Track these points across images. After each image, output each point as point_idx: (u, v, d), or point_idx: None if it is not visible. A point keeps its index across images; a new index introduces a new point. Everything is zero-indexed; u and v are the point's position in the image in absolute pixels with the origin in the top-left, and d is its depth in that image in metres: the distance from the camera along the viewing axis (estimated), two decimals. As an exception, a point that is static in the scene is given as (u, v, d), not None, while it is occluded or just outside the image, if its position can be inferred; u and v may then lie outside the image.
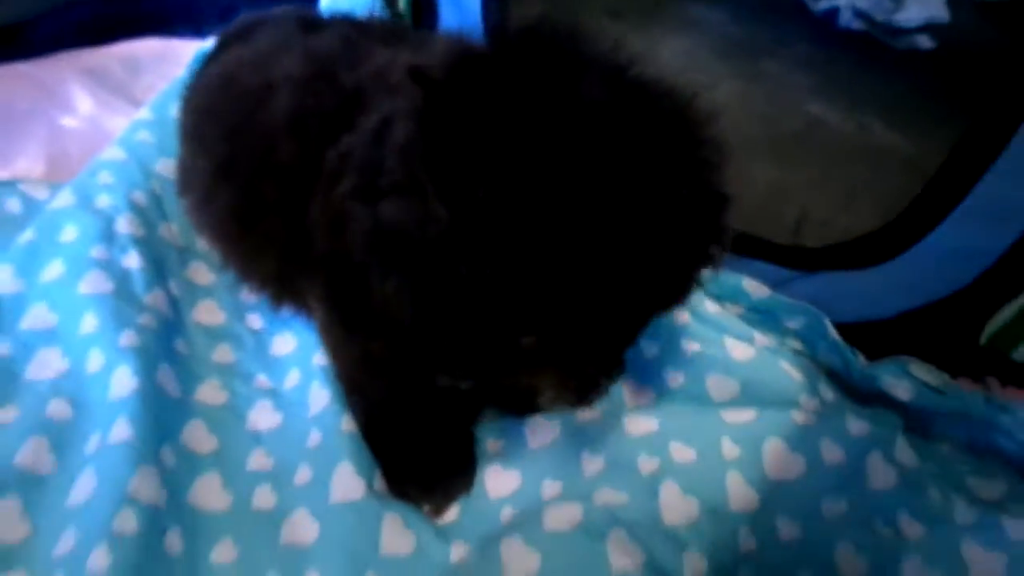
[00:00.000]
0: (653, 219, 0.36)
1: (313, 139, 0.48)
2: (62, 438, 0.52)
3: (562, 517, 0.50)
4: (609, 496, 0.52)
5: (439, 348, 0.39)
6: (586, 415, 0.57)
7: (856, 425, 0.56)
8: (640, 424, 0.56)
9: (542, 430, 0.57)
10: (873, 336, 0.65)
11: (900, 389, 0.61)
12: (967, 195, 0.57)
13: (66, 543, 0.47)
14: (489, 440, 0.57)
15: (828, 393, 0.62)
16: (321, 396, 0.56)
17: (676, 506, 0.51)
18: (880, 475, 0.54)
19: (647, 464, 0.54)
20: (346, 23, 0.61)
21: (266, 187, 0.51)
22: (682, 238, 0.37)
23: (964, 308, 0.60)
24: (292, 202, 0.49)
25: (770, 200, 0.86)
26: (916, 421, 0.61)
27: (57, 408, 0.53)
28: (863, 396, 0.63)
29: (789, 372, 0.61)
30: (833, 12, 1.17)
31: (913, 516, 0.53)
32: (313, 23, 0.62)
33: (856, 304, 0.65)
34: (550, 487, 0.54)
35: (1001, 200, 0.55)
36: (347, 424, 0.54)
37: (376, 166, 0.37)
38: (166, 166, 0.70)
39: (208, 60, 0.67)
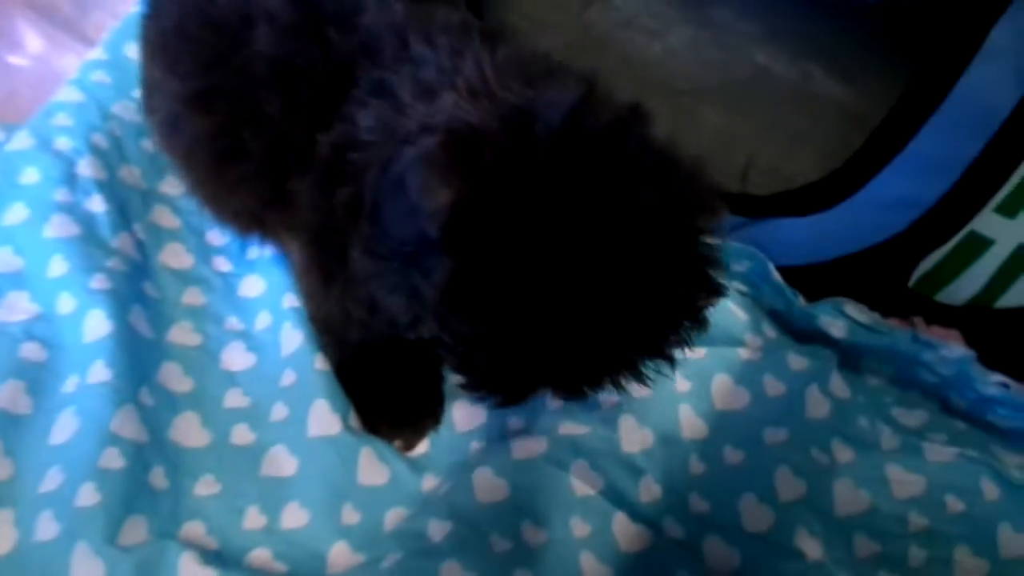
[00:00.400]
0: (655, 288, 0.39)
1: (301, 105, 0.49)
2: (38, 380, 0.53)
3: (528, 448, 0.54)
4: (571, 428, 0.55)
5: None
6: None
7: (796, 361, 0.60)
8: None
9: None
10: (813, 279, 0.70)
11: (835, 327, 0.65)
12: (904, 147, 0.61)
13: (52, 480, 0.48)
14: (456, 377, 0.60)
15: (771, 332, 0.66)
16: (294, 337, 0.58)
17: (633, 436, 0.55)
18: (817, 406, 0.58)
19: (607, 399, 0.57)
20: None
21: (245, 131, 0.51)
22: (678, 300, 0.41)
23: (897, 254, 0.65)
24: (273, 154, 0.50)
25: (719, 146, 0.90)
26: (848, 357, 0.67)
27: (30, 350, 0.54)
28: (802, 334, 0.67)
29: (735, 312, 0.65)
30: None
31: (845, 442, 0.58)
32: None
33: (798, 249, 0.69)
34: (514, 422, 0.57)
35: (936, 154, 0.60)
36: (320, 363, 0.56)
37: (389, 233, 0.40)
38: (124, 108, 0.69)
39: None
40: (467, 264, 0.36)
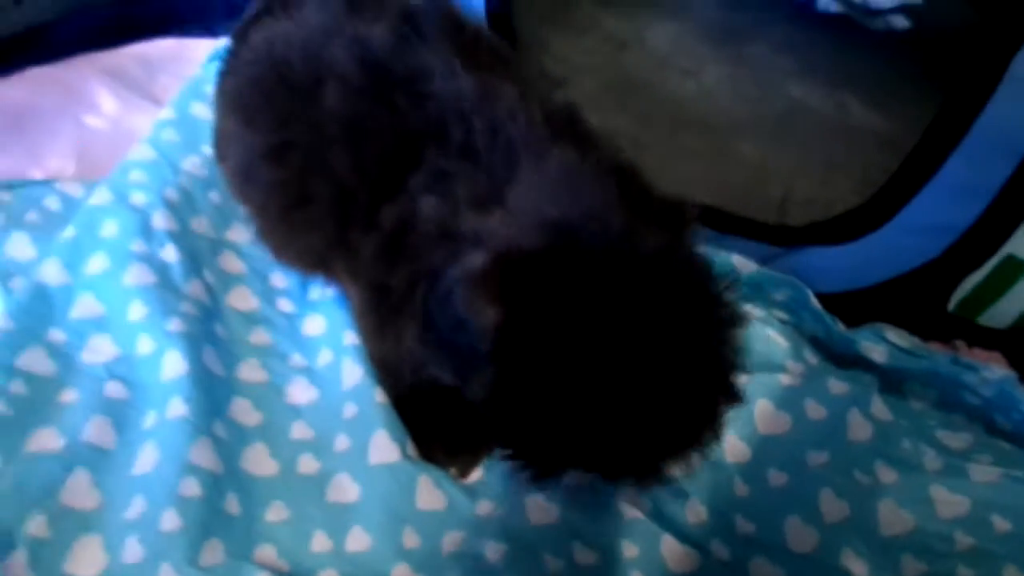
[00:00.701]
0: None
1: (367, 167, 0.52)
2: (121, 416, 0.57)
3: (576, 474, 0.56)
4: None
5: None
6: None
7: (836, 386, 0.62)
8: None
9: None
10: (852, 305, 0.71)
11: (876, 352, 0.67)
12: (936, 173, 0.62)
13: (136, 508, 0.52)
14: None
15: (812, 358, 0.68)
16: (354, 372, 0.62)
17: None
18: (858, 429, 0.60)
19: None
20: (394, 6, 0.57)
21: (315, 184, 0.55)
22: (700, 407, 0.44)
23: (934, 278, 0.67)
24: (340, 206, 0.54)
25: (756, 180, 0.92)
26: (890, 382, 0.68)
27: (114, 389, 0.58)
28: (843, 360, 0.69)
29: (776, 340, 0.67)
30: (811, -4, 1.22)
31: (888, 464, 0.59)
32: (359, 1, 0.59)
33: (836, 276, 0.71)
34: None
35: (966, 179, 0.61)
36: (380, 397, 0.60)
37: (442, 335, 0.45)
38: (192, 163, 0.75)
39: (248, 26, 0.64)
40: (511, 375, 0.42)
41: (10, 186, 0.70)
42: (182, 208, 0.71)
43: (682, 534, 0.55)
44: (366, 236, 0.52)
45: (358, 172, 0.52)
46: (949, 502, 0.57)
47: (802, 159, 0.94)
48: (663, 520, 0.56)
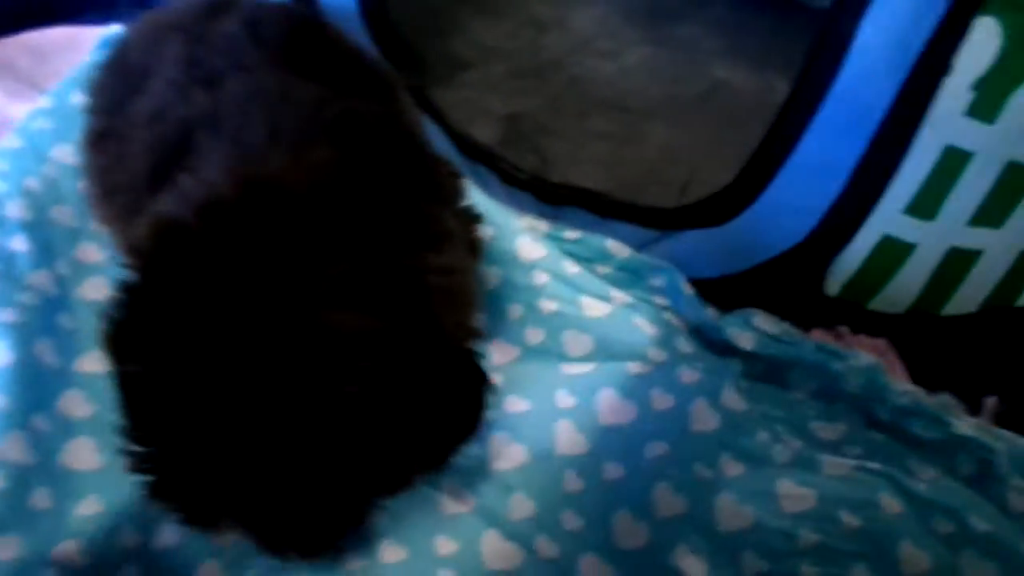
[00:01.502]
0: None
1: (152, 158, 0.50)
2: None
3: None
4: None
5: None
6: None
7: (687, 374, 0.59)
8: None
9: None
10: (729, 291, 0.69)
11: (743, 339, 0.64)
12: (793, 151, 0.59)
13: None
14: None
15: (686, 347, 0.65)
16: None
17: (504, 453, 0.55)
18: (703, 419, 0.57)
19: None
20: (245, 10, 0.56)
21: (119, 173, 0.54)
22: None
23: (803, 261, 0.64)
24: (132, 197, 0.52)
25: (663, 162, 0.89)
26: (774, 371, 0.65)
27: (-58, 382, 0.57)
28: (716, 348, 0.66)
29: (642, 327, 0.64)
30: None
31: (734, 457, 0.57)
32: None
33: (711, 261, 0.69)
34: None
35: (822, 156, 0.59)
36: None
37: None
38: (63, 152, 0.74)
39: None
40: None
41: None
42: (43, 197, 0.69)
43: (506, 530, 0.53)
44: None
45: (142, 162, 0.51)
46: (794, 496, 0.55)
47: (714, 141, 0.91)
48: (485, 515, 0.53)
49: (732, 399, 0.59)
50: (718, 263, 0.68)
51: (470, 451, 0.55)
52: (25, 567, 0.49)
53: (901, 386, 0.61)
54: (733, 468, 0.56)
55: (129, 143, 0.53)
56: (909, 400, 0.60)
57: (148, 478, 0.39)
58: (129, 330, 0.39)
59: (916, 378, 0.66)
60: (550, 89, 0.96)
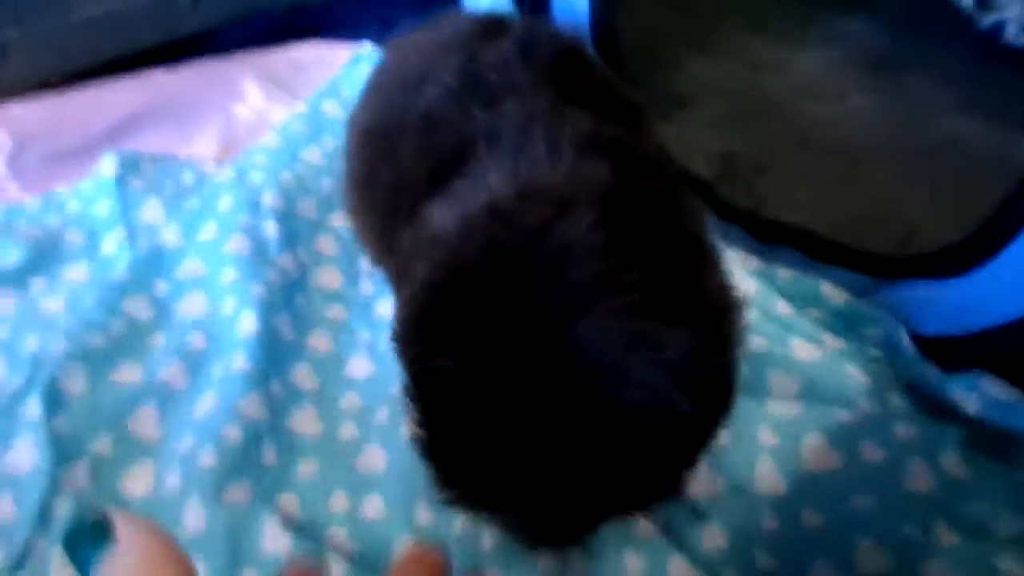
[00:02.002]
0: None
1: (425, 162, 0.54)
2: (196, 364, 0.64)
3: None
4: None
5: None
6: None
7: (903, 430, 0.56)
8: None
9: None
10: (955, 352, 0.64)
11: (969, 402, 0.60)
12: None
13: (186, 444, 0.58)
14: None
15: (901, 402, 0.62)
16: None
17: (700, 480, 0.55)
18: (919, 479, 0.54)
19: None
20: (516, 32, 0.60)
21: (383, 169, 0.58)
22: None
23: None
24: (395, 195, 0.56)
25: (882, 211, 0.85)
26: (999, 444, 0.60)
27: (195, 339, 0.65)
28: (938, 410, 0.62)
29: (854, 376, 0.62)
30: (999, 27, 1.12)
31: (950, 525, 0.53)
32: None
33: (937, 317, 0.65)
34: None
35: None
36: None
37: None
38: (313, 153, 0.82)
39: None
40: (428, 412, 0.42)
41: (155, 160, 0.80)
42: (293, 191, 0.77)
43: (693, 557, 0.52)
44: (405, 230, 0.53)
45: (416, 164, 0.54)
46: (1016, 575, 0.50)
47: (940, 194, 0.85)
48: (675, 539, 0.53)
49: (952, 463, 0.55)
50: (943, 321, 0.64)
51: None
52: (255, 509, 0.54)
53: None
54: (948, 537, 0.53)
55: (399, 143, 0.57)
56: None
57: (440, 467, 0.43)
58: (441, 322, 0.40)
59: None
60: (768, 130, 0.94)
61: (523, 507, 0.42)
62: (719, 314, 0.43)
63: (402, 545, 0.55)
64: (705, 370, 0.39)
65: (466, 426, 0.40)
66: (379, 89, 0.65)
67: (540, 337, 0.38)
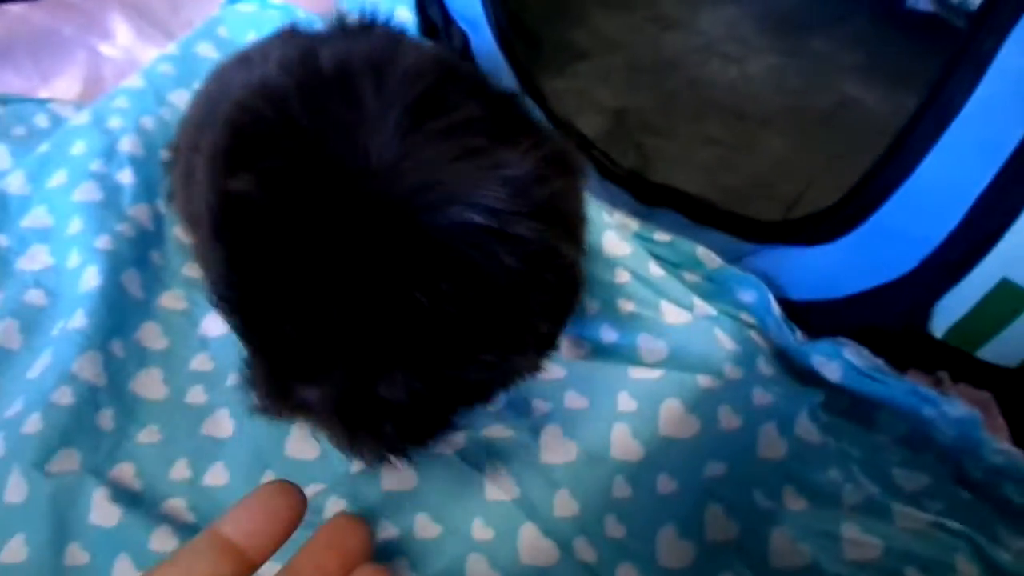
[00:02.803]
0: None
1: None
2: (33, 322, 0.59)
3: (446, 442, 0.54)
4: (493, 430, 0.54)
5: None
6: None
7: (760, 396, 0.56)
8: (548, 371, 0.58)
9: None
10: (824, 317, 0.64)
11: (829, 369, 0.60)
12: (912, 172, 0.55)
13: (13, 409, 0.54)
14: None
15: (766, 368, 0.62)
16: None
17: (556, 447, 0.53)
18: (771, 446, 0.54)
19: (539, 407, 0.56)
20: None
21: None
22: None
23: (906, 295, 0.59)
24: None
25: (775, 174, 0.85)
26: (861, 409, 0.61)
27: (34, 296, 0.60)
28: (802, 375, 0.62)
29: (722, 341, 0.61)
30: (903, -10, 1.11)
31: (798, 491, 0.53)
32: None
33: (806, 282, 0.64)
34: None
35: (940, 184, 0.54)
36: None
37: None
38: (181, 97, 0.77)
39: None
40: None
41: (4, 101, 0.74)
42: (155, 136, 0.72)
43: (547, 527, 0.51)
44: None
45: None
46: (859, 543, 0.51)
47: (834, 159, 0.85)
48: (526, 507, 0.52)
49: (806, 430, 0.55)
50: (813, 286, 0.64)
51: (519, 439, 0.54)
52: (82, 480, 0.51)
53: (999, 444, 0.55)
54: (796, 502, 0.53)
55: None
56: (1005, 460, 0.55)
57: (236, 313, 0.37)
58: (244, 150, 0.34)
59: (1019, 441, 0.60)
60: (665, 87, 0.93)
61: (337, 359, 0.35)
62: (558, 146, 0.38)
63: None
64: (550, 192, 0.34)
65: (273, 263, 0.34)
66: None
67: (354, 155, 0.33)
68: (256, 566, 0.29)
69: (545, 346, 0.44)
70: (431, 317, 0.33)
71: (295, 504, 0.30)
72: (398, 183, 0.32)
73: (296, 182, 0.33)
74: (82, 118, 0.72)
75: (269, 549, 0.30)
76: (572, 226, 0.39)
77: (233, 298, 0.36)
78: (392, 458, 0.40)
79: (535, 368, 0.44)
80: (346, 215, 0.32)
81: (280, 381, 0.37)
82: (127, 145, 0.70)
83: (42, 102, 0.76)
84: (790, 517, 0.52)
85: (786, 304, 0.64)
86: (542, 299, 0.37)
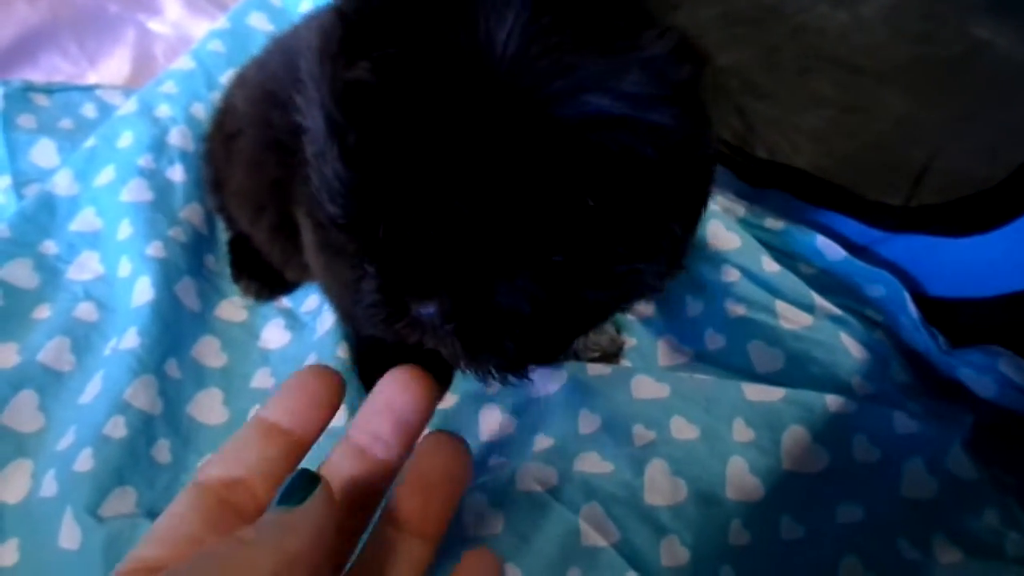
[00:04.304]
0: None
1: None
2: (85, 340, 0.55)
3: (535, 478, 0.47)
4: (590, 464, 0.48)
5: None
6: (597, 369, 0.53)
7: (904, 423, 0.47)
8: (648, 388, 0.51)
9: (547, 377, 0.53)
10: (973, 320, 0.55)
11: (981, 384, 0.51)
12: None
13: (66, 440, 0.50)
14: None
15: (901, 376, 0.53)
16: (327, 320, 0.56)
17: (661, 486, 0.46)
18: (918, 485, 0.46)
19: (642, 435, 0.49)
20: None
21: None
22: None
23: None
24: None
25: (893, 140, 0.74)
26: (1015, 430, 0.52)
27: (85, 310, 0.56)
28: (944, 387, 0.53)
29: (848, 348, 0.53)
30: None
31: (951, 540, 0.45)
32: None
33: (951, 277, 0.55)
34: (541, 441, 0.51)
35: None
36: (341, 351, 0.54)
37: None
38: (231, 77, 0.71)
39: None
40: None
41: (49, 90, 0.69)
42: (206, 127, 0.67)
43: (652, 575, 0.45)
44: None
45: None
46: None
47: (966, 118, 0.74)
48: (629, 554, 0.45)
49: (959, 463, 0.46)
50: (959, 281, 0.55)
51: (620, 477, 0.47)
52: (137, 523, 0.46)
53: None
54: (948, 554, 0.44)
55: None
56: None
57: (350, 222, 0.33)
58: (358, 39, 0.31)
59: None
60: (765, 40, 0.82)
61: (456, 265, 0.32)
62: (685, 32, 0.32)
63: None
64: (688, 75, 0.31)
65: (393, 156, 0.30)
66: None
67: (477, 41, 0.29)
68: (305, 446, 0.28)
69: (675, 258, 0.38)
70: (560, 215, 0.31)
71: (334, 385, 0.29)
72: (525, 70, 0.29)
73: (416, 69, 0.30)
74: (129, 106, 0.67)
75: (315, 430, 0.28)
76: (708, 116, 0.34)
77: (349, 204, 0.32)
78: (512, 378, 0.36)
79: (659, 288, 0.38)
80: (470, 105, 0.29)
81: (396, 297, 0.33)
82: (177, 138, 0.64)
83: (89, 89, 0.71)
84: (942, 572, 0.44)
85: (924, 302, 0.55)
86: (679, 196, 0.34)
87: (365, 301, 0.35)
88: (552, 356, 0.37)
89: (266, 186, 0.51)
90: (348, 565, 0.29)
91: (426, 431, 0.33)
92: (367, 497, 0.30)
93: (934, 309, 0.55)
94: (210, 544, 0.25)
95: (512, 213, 0.30)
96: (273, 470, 0.27)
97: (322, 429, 0.29)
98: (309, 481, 0.25)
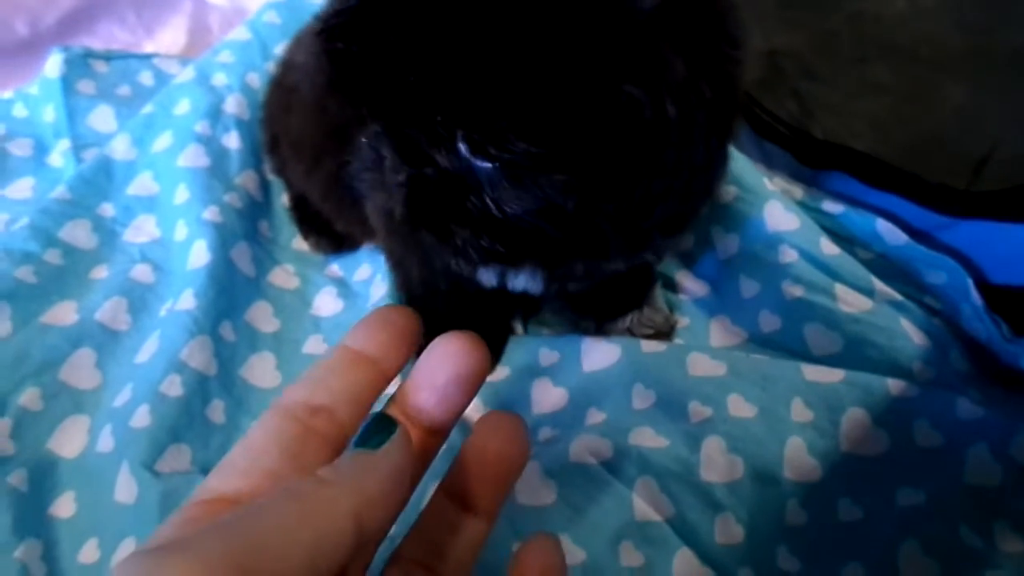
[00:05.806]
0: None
1: None
2: (141, 301, 0.56)
3: (588, 449, 0.47)
4: (647, 438, 0.47)
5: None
6: (651, 346, 0.52)
7: (967, 409, 0.46)
8: (704, 365, 0.50)
9: (600, 352, 0.53)
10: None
11: (1048, 374, 0.50)
12: None
13: (123, 397, 0.50)
14: (544, 351, 0.54)
15: (960, 366, 0.52)
16: (380, 288, 0.56)
17: (717, 463, 0.46)
18: (981, 472, 0.44)
19: (698, 412, 0.48)
20: None
21: None
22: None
23: None
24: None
25: (953, 130, 0.72)
26: None
27: (141, 272, 0.57)
28: (1006, 377, 0.52)
29: (909, 333, 0.52)
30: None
31: (1013, 529, 0.43)
32: None
33: (1014, 264, 0.54)
34: (594, 415, 0.50)
35: None
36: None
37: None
38: (287, 48, 0.71)
39: None
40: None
41: (108, 57, 0.70)
42: (261, 96, 0.67)
43: (706, 553, 0.44)
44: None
45: None
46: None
47: (1027, 111, 0.72)
48: (683, 529, 0.45)
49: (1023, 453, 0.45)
50: (1019, 268, 0.53)
51: (676, 452, 0.47)
52: (193, 479, 0.47)
53: None
54: (1010, 542, 0.43)
55: None
56: None
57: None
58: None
59: None
60: (825, 25, 0.80)
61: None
62: None
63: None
64: None
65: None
66: None
67: None
68: (389, 379, 0.27)
69: (700, 181, 0.37)
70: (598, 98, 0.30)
71: (412, 320, 0.27)
72: None
73: None
74: (187, 75, 0.67)
75: (398, 363, 0.27)
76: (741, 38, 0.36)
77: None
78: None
79: (685, 213, 0.39)
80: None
81: (417, 152, 0.34)
82: (232, 106, 0.65)
83: (146, 57, 0.72)
84: (1004, 561, 0.43)
85: (986, 289, 0.54)
86: (706, 109, 0.33)
87: (393, 181, 0.35)
88: (560, 262, 0.38)
89: (326, 133, 0.51)
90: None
91: (480, 405, 0.33)
92: (414, 463, 0.29)
93: (996, 297, 0.54)
94: (289, 481, 0.24)
95: (546, 79, 0.30)
96: (360, 398, 0.26)
97: (404, 363, 0.28)
98: (387, 425, 0.24)
